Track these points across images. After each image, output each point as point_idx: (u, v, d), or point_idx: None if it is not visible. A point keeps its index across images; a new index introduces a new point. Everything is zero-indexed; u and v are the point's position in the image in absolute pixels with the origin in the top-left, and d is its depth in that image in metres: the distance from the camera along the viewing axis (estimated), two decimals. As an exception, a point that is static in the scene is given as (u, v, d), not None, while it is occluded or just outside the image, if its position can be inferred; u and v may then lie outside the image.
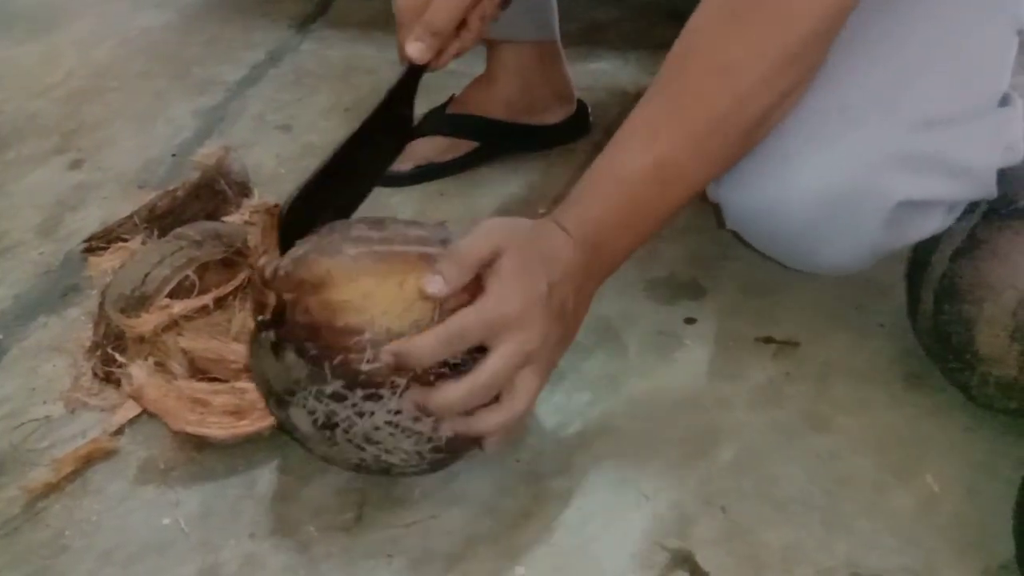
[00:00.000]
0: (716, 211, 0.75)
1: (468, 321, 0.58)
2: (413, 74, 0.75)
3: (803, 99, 0.65)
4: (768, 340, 0.80)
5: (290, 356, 0.59)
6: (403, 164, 1.02)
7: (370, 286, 0.58)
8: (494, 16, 0.77)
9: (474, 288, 0.59)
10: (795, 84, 0.63)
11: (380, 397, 0.59)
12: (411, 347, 0.58)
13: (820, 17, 0.60)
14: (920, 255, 0.71)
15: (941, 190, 0.67)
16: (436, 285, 0.58)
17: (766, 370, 0.77)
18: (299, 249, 0.62)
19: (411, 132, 0.80)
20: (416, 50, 0.72)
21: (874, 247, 0.69)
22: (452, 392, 0.58)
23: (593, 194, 0.64)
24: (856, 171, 0.65)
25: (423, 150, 1.02)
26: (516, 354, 0.59)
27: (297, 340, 0.59)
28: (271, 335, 0.60)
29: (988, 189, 0.68)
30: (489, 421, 0.61)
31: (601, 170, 0.64)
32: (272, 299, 0.60)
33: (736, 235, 0.78)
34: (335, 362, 0.58)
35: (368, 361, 0.58)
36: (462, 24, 0.74)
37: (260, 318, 0.62)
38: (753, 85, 0.61)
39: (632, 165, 0.62)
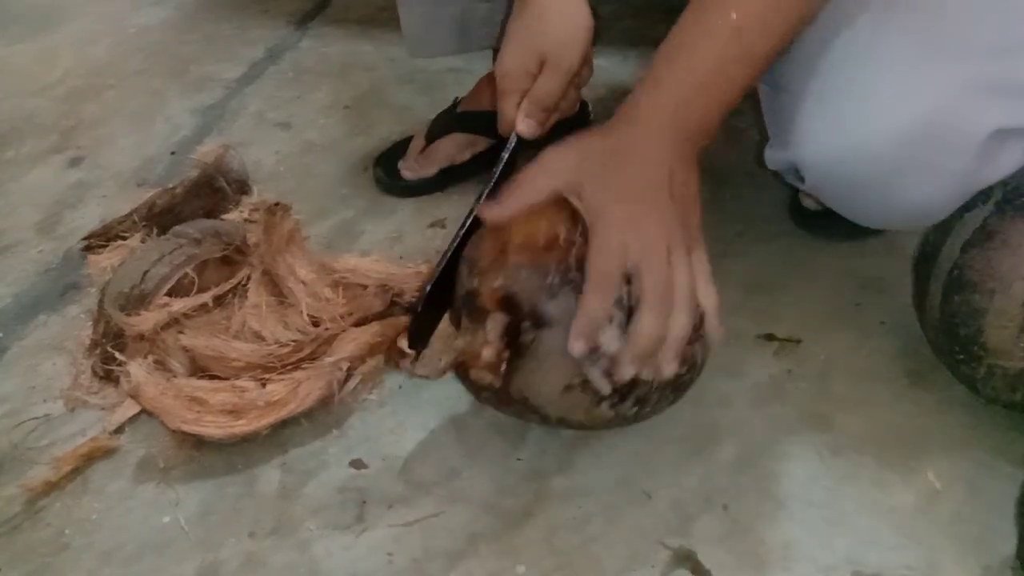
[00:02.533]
0: (776, 178, 0.77)
1: (596, 266, 0.59)
2: (519, 148, 0.75)
3: (879, 39, 0.64)
4: (770, 337, 0.80)
5: (552, 307, 0.60)
6: (427, 169, 1.01)
7: (527, 220, 0.63)
8: (586, 83, 0.79)
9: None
10: None
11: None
12: (587, 315, 0.59)
13: None
14: (929, 245, 0.71)
15: None
16: (490, 213, 0.64)
17: (767, 368, 0.77)
18: (467, 277, 0.65)
19: None
20: (529, 127, 0.74)
21: (963, 186, 0.67)
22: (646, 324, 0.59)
23: (677, 68, 0.62)
24: (941, 101, 0.63)
25: (444, 151, 1.01)
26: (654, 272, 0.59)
27: (540, 290, 0.60)
28: (526, 327, 0.61)
29: None
30: (676, 324, 0.60)
31: (685, 30, 0.63)
32: (497, 327, 0.62)
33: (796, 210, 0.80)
34: (575, 268, 0.60)
35: (578, 248, 0.60)
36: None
37: (504, 364, 0.62)
38: None
39: (716, 23, 0.61)
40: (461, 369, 0.64)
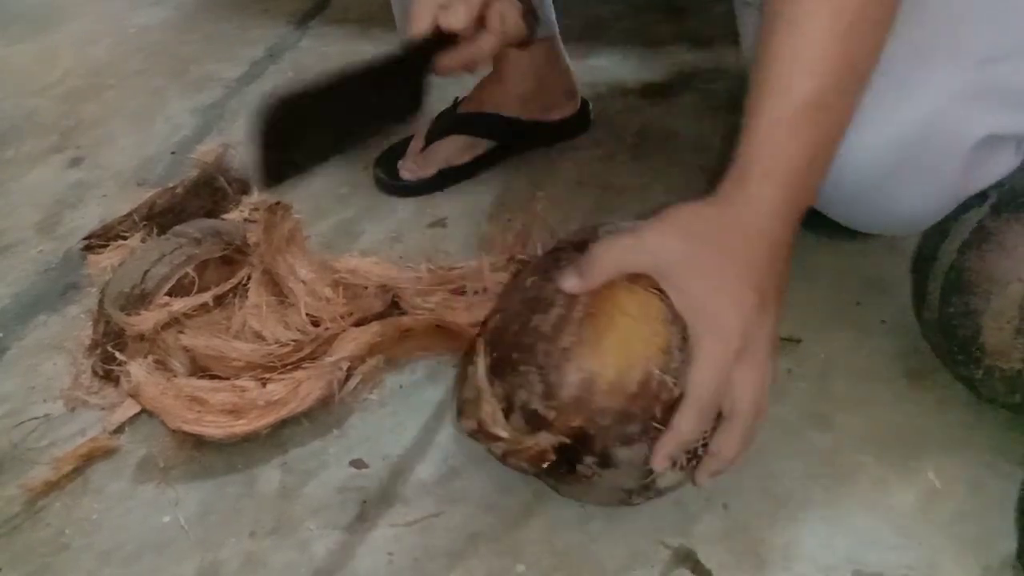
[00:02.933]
0: None
1: (703, 387, 0.56)
2: (434, 43, 0.69)
3: None
4: (769, 337, 0.80)
5: (623, 453, 0.57)
6: (426, 169, 1.01)
7: (619, 340, 0.56)
8: (514, 29, 0.74)
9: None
10: None
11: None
12: (680, 438, 0.56)
13: None
14: (927, 247, 0.71)
15: (1017, 123, 0.66)
16: (570, 284, 0.58)
17: (767, 367, 0.77)
18: (522, 388, 0.57)
19: (418, 107, 0.73)
20: (454, 17, 0.69)
21: (955, 191, 0.68)
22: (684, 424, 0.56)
23: (774, 148, 0.57)
24: (931, 110, 0.64)
25: (443, 152, 1.01)
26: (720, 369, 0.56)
27: (617, 438, 0.56)
28: (589, 462, 0.57)
29: None
30: (729, 444, 0.58)
31: (770, 119, 0.58)
32: (553, 440, 0.57)
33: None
34: (659, 417, 0.56)
35: (676, 387, 0.56)
36: (480, 24, 0.72)
37: (547, 464, 0.58)
38: None
39: (798, 99, 0.57)
40: (494, 444, 0.60)
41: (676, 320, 0.56)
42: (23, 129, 1.18)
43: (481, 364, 0.60)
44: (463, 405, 0.61)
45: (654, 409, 0.56)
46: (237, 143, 1.04)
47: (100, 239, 0.90)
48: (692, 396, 0.56)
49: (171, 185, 0.93)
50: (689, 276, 0.56)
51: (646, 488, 0.59)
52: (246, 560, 0.64)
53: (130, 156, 1.11)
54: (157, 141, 1.14)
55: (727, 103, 1.10)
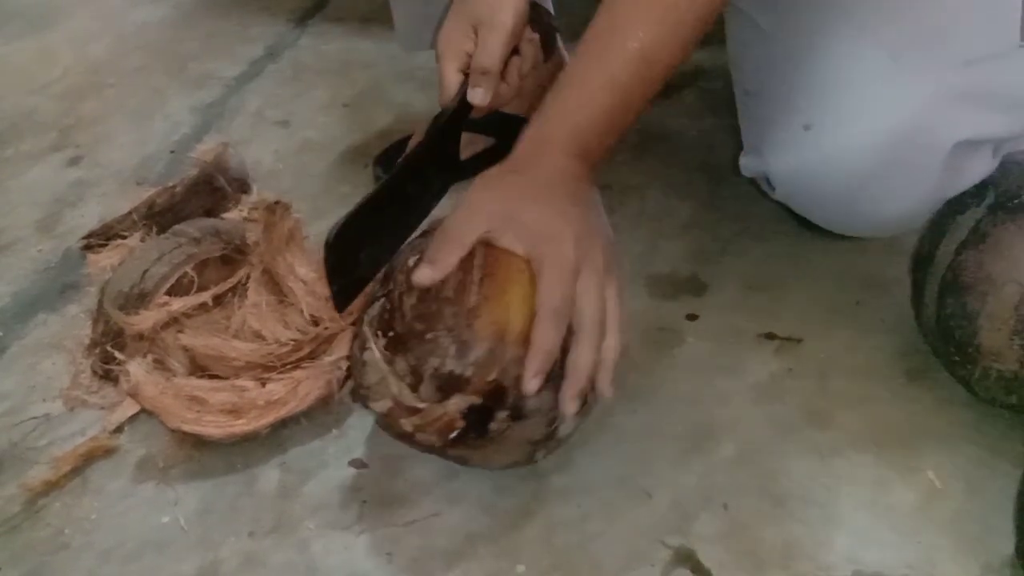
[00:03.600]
0: (754, 184, 0.77)
1: (550, 296, 0.58)
2: (462, 114, 0.74)
3: (850, 52, 0.65)
4: (770, 336, 0.80)
5: (532, 402, 0.59)
6: None
7: (520, 297, 0.59)
8: (532, 62, 0.78)
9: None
10: None
11: None
12: (545, 352, 0.57)
13: None
14: (925, 248, 0.71)
15: (996, 126, 0.67)
16: (426, 276, 0.59)
17: (767, 366, 0.77)
18: (432, 355, 0.58)
19: (458, 172, 0.76)
20: (478, 95, 0.73)
21: (934, 195, 0.69)
22: (542, 335, 0.58)
23: (582, 96, 0.63)
24: (913, 113, 0.65)
25: None
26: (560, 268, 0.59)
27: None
28: (501, 417, 0.59)
29: None
30: (609, 348, 0.60)
31: (588, 58, 0.64)
32: (464, 404, 0.58)
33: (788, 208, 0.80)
34: (559, 359, 0.59)
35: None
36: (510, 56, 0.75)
37: (455, 432, 0.59)
38: None
39: (617, 51, 0.63)
40: (392, 420, 0.61)
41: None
42: (22, 128, 1.18)
43: (375, 348, 0.61)
44: (368, 391, 0.61)
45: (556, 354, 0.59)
46: (236, 142, 1.04)
47: (99, 238, 0.90)
48: (542, 307, 0.57)
49: (170, 184, 0.93)
50: (519, 224, 0.59)
51: (549, 438, 0.62)
52: (245, 559, 0.65)
53: (129, 155, 1.11)
54: (156, 140, 1.14)
55: (727, 103, 1.09)
